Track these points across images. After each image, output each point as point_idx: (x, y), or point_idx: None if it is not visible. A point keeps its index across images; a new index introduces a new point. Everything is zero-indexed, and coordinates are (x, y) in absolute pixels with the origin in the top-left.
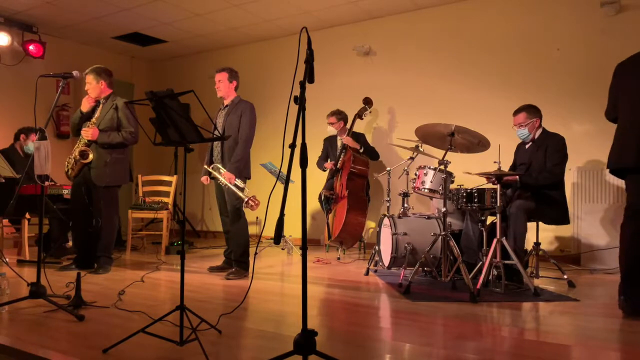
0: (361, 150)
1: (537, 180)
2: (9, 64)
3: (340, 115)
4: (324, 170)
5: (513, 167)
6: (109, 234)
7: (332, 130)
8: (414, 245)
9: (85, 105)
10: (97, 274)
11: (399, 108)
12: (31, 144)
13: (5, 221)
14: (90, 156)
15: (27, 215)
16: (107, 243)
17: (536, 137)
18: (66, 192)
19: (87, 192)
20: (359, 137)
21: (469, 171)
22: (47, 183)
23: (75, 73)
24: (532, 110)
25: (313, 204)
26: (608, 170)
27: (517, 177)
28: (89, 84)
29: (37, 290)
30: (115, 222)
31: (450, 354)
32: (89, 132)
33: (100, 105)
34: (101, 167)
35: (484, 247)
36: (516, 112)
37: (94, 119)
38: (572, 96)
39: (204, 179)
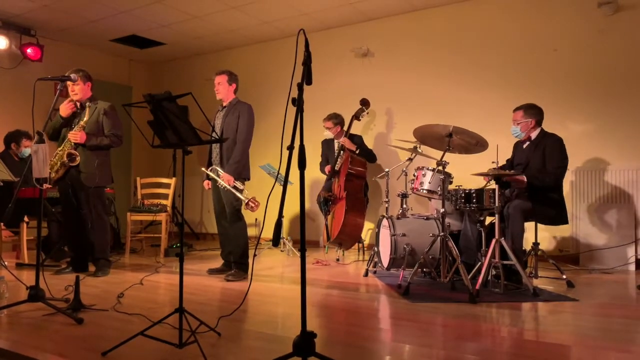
0: (357, 152)
1: (543, 182)
2: (7, 67)
3: (336, 120)
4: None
5: (510, 165)
6: (103, 234)
7: (329, 135)
8: (412, 246)
9: (66, 110)
10: (96, 276)
11: (397, 109)
12: (25, 150)
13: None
14: (78, 159)
15: (26, 219)
16: (103, 243)
17: (533, 137)
18: None
19: (73, 194)
20: (355, 139)
21: (468, 172)
22: (45, 186)
23: (73, 76)
24: (530, 111)
25: (311, 205)
26: None
27: (524, 178)
28: (75, 85)
29: (36, 294)
30: (106, 221)
31: (449, 355)
32: (77, 135)
33: (87, 108)
34: (91, 169)
35: (483, 248)
36: (516, 109)
37: (82, 122)
38: (570, 96)
39: (206, 184)
